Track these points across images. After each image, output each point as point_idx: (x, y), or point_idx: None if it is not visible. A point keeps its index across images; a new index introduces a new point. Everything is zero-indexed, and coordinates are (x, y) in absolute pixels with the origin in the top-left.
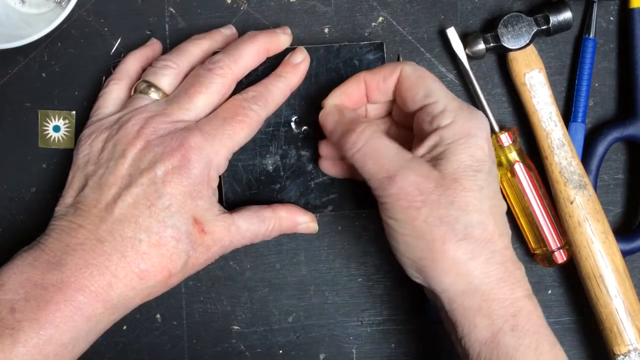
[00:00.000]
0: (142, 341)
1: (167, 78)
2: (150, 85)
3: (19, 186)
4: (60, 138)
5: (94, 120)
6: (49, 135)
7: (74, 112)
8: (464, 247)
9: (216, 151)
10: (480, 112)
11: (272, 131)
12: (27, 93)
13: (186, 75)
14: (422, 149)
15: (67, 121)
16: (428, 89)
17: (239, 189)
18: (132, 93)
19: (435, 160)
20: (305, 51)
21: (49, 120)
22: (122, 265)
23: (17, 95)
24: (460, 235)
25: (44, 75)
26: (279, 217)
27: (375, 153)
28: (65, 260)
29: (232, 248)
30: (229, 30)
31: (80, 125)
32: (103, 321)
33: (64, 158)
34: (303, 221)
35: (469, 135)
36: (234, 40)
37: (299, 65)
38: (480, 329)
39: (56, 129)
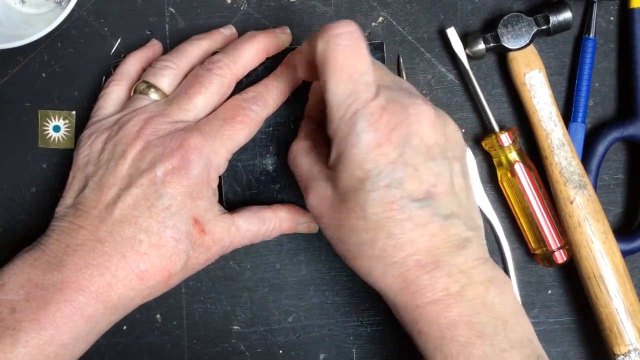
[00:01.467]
0: (142, 341)
1: (166, 79)
2: (150, 85)
3: (19, 186)
4: (60, 138)
5: (94, 121)
6: (49, 135)
7: (74, 112)
8: (361, 264)
9: (216, 151)
10: (366, 124)
11: (272, 131)
12: (27, 93)
13: (186, 76)
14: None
15: (67, 121)
16: (325, 102)
17: (239, 189)
18: (132, 94)
19: (332, 180)
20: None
21: (49, 120)
22: (122, 265)
23: (17, 95)
24: (354, 254)
25: (44, 75)
26: (279, 218)
27: (298, 170)
28: (66, 261)
29: (232, 248)
30: (229, 31)
31: (80, 125)
32: (103, 321)
33: (64, 158)
34: (303, 221)
35: (344, 156)
36: (233, 41)
37: (297, 67)
38: (404, 325)
39: (56, 129)
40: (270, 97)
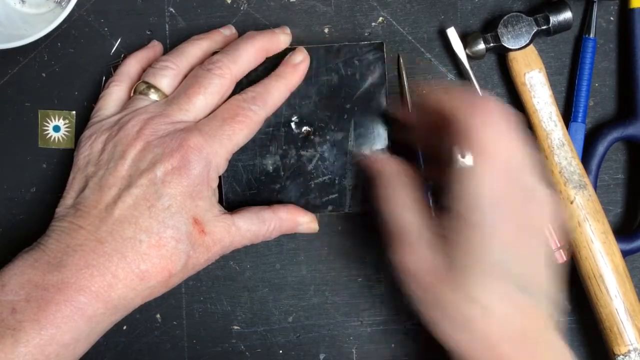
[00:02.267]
0: (142, 341)
1: (166, 79)
2: (150, 86)
3: (19, 186)
4: (60, 138)
5: (94, 122)
6: (49, 135)
7: (74, 112)
8: (440, 330)
9: (215, 152)
10: (509, 225)
11: (272, 131)
12: (27, 93)
13: (186, 76)
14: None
15: (67, 121)
16: (461, 185)
17: (239, 189)
18: (131, 94)
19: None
20: (305, 51)
21: (49, 120)
22: (123, 265)
23: (17, 95)
24: (437, 321)
25: (44, 75)
26: (279, 218)
27: (392, 220)
28: (66, 261)
29: (232, 248)
30: (229, 31)
31: (80, 125)
32: (104, 321)
33: (64, 158)
34: (303, 221)
35: (473, 244)
36: (233, 41)
37: (298, 66)
38: None
39: (56, 129)
40: (269, 97)
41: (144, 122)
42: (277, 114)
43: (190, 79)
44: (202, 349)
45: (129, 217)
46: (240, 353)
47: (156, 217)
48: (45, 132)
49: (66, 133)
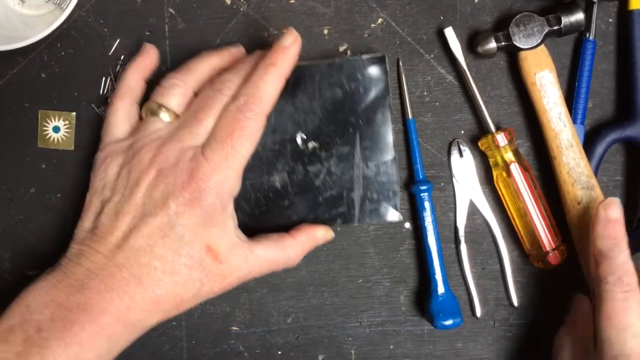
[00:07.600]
0: (141, 341)
1: (175, 98)
2: (160, 106)
3: (18, 186)
4: (60, 139)
5: (107, 142)
6: (48, 136)
7: (74, 113)
8: None
9: (225, 177)
10: None
11: (278, 148)
12: (26, 93)
13: (195, 92)
14: None
15: (66, 122)
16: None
17: (248, 208)
18: (143, 115)
19: None
20: (296, 32)
21: (48, 121)
22: (140, 290)
23: (16, 95)
24: None
25: (43, 75)
26: (300, 243)
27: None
28: (88, 284)
29: (251, 277)
30: (236, 49)
31: (79, 126)
32: (122, 341)
33: (63, 158)
34: (320, 236)
35: None
36: (242, 58)
37: (288, 49)
38: None
39: (56, 129)
40: (263, 95)
41: (156, 149)
42: (282, 130)
43: (200, 99)
44: (201, 349)
45: (144, 246)
46: (239, 354)
47: (170, 245)
48: (45, 133)
49: (66, 134)
